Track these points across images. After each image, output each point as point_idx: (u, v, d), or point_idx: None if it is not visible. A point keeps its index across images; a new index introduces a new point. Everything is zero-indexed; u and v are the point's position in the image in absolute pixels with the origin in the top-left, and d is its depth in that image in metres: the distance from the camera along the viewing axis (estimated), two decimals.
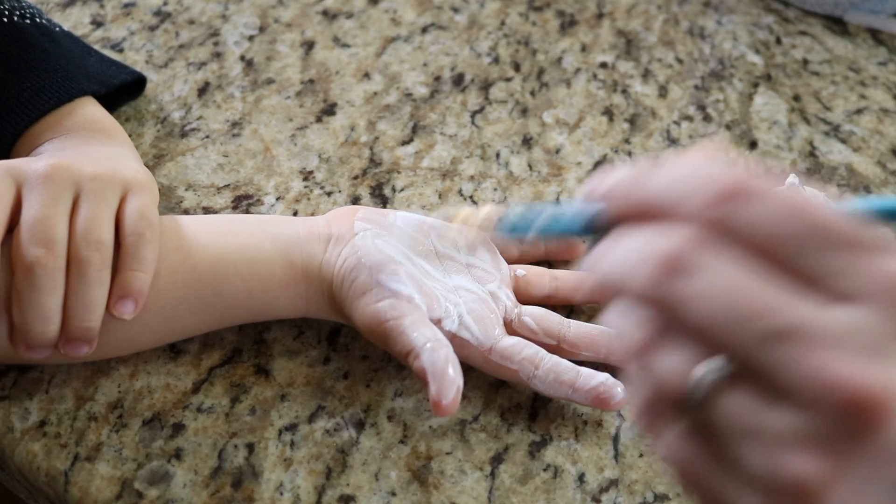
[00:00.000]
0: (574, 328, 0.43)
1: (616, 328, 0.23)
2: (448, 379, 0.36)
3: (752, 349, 0.20)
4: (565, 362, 0.41)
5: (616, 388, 0.40)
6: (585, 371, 0.40)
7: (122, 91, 0.53)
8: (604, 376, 0.40)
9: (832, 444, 0.19)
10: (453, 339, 0.40)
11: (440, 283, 0.42)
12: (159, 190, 0.50)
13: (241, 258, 0.41)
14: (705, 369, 0.21)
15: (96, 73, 0.51)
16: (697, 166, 0.22)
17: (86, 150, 0.45)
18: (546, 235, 0.25)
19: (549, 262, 0.49)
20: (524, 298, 0.44)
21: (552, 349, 0.42)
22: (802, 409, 0.19)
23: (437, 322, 0.40)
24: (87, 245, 0.37)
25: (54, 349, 0.37)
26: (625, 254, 0.22)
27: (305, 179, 0.52)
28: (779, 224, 0.20)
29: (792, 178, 0.44)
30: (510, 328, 0.43)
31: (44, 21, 0.50)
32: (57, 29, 0.51)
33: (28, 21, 0.49)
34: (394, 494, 0.39)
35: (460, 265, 0.44)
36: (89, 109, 0.48)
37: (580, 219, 0.24)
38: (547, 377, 0.40)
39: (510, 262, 0.46)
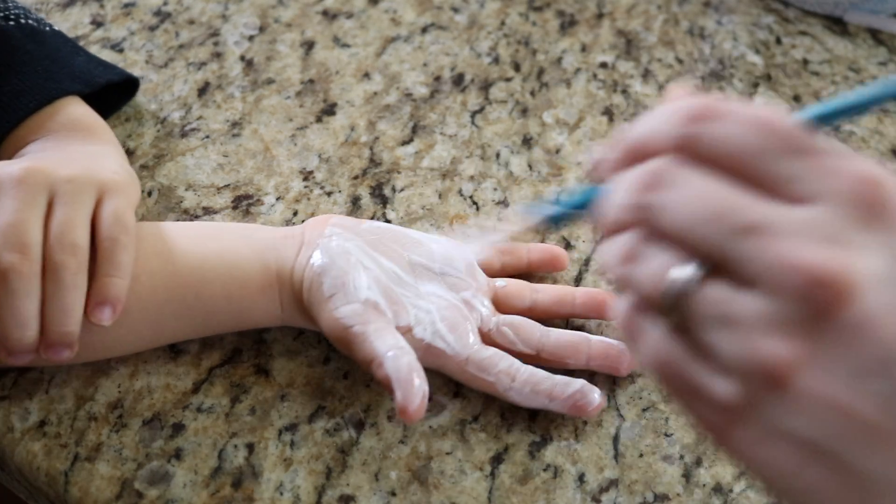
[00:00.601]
0: (554, 336, 0.42)
1: (606, 255, 0.25)
2: (413, 386, 0.36)
3: (724, 245, 0.21)
4: (541, 372, 0.41)
5: (592, 393, 0.40)
6: (560, 379, 0.40)
7: (117, 94, 0.53)
8: (580, 383, 0.40)
9: (799, 327, 0.20)
10: (428, 348, 0.40)
11: (411, 288, 0.42)
12: (159, 190, 0.50)
13: (221, 263, 0.41)
14: (682, 268, 0.22)
15: (81, 72, 0.50)
16: (666, 105, 0.24)
17: (66, 150, 0.44)
18: (567, 217, 0.28)
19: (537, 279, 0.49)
20: (504, 310, 0.44)
21: (531, 359, 0.42)
22: (770, 294, 0.21)
23: (407, 330, 0.40)
24: (62, 249, 0.36)
25: (36, 354, 0.37)
26: (613, 191, 0.24)
27: (305, 179, 0.52)
28: (743, 137, 0.22)
29: None
30: (488, 338, 0.42)
31: (30, 22, 0.49)
32: (47, 29, 0.50)
33: (12, 23, 0.48)
34: (394, 494, 0.39)
35: (433, 273, 0.43)
36: (72, 109, 0.47)
37: (590, 196, 0.27)
38: (523, 389, 0.40)
39: (492, 275, 0.45)
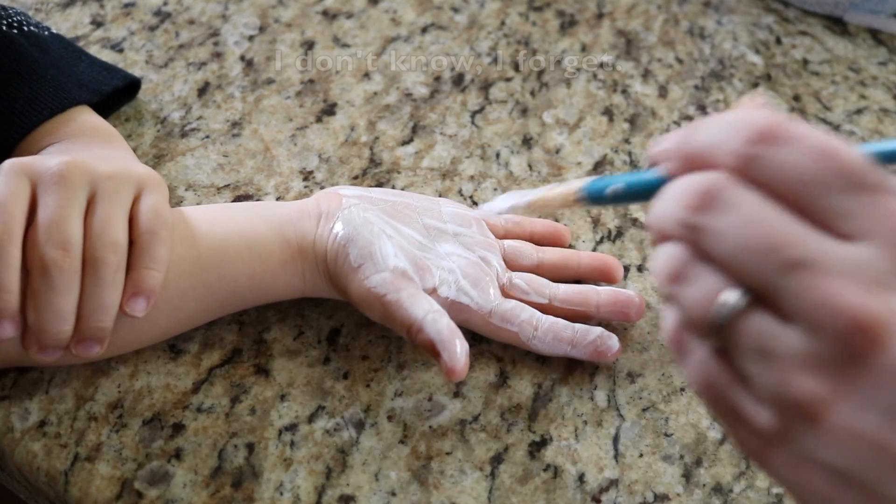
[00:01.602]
0: (563, 287, 0.44)
1: (656, 266, 0.25)
2: (457, 346, 0.37)
3: (770, 277, 0.22)
4: (561, 321, 0.42)
5: (611, 339, 0.42)
6: (581, 327, 0.42)
7: (118, 94, 0.53)
8: (599, 330, 0.43)
9: (835, 367, 0.21)
10: (452, 305, 0.41)
11: (431, 251, 0.43)
12: None
13: (241, 242, 0.41)
14: (728, 296, 0.23)
15: (88, 80, 0.50)
16: (735, 115, 0.24)
17: (92, 153, 0.45)
18: (621, 201, 0.28)
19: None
20: (512, 268, 0.46)
21: (543, 309, 0.43)
22: (810, 333, 0.21)
23: (433, 291, 0.41)
24: (102, 246, 0.37)
25: (65, 350, 0.37)
26: (665, 198, 0.24)
27: (305, 179, 0.52)
28: (805, 166, 0.22)
29: None
30: (503, 291, 0.44)
31: (31, 28, 0.50)
32: (46, 34, 0.51)
33: (16, 30, 0.48)
34: (394, 494, 0.39)
35: (448, 234, 0.45)
36: (87, 117, 0.48)
37: (647, 182, 0.27)
38: (546, 337, 0.42)
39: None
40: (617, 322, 0.45)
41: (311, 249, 0.42)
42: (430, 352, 0.38)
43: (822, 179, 0.22)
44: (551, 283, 0.45)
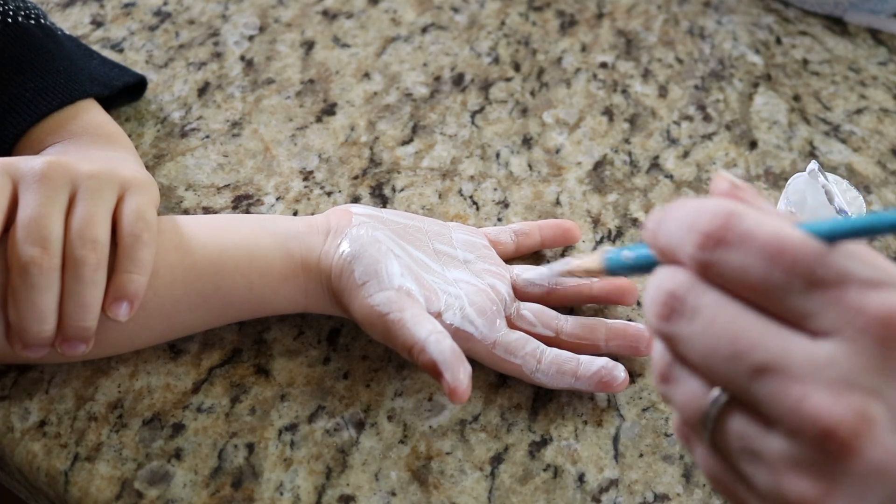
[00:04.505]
0: (571, 321, 0.43)
1: (653, 360, 0.25)
2: (460, 367, 0.36)
3: (742, 383, 0.22)
4: (565, 353, 0.42)
5: (616, 369, 0.41)
6: (585, 358, 0.41)
7: (122, 93, 0.54)
8: (603, 360, 0.41)
9: (821, 468, 0.21)
10: (456, 332, 0.41)
11: (439, 275, 0.42)
12: (159, 190, 0.50)
13: (241, 253, 0.41)
14: (710, 398, 0.23)
15: (99, 75, 0.51)
16: (688, 210, 0.23)
17: (87, 154, 0.45)
18: (635, 273, 0.29)
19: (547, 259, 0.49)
20: (521, 297, 0.45)
21: (550, 342, 0.42)
22: (790, 436, 0.21)
23: (437, 315, 0.40)
24: (82, 244, 0.37)
25: (52, 348, 0.37)
26: (644, 301, 0.25)
27: (305, 179, 0.52)
28: (758, 270, 0.22)
29: (812, 165, 0.44)
30: (509, 322, 0.43)
31: (48, 23, 0.50)
32: (59, 32, 0.51)
33: (32, 22, 0.49)
34: (394, 494, 0.39)
35: (458, 261, 0.44)
36: (93, 114, 0.48)
37: (650, 259, 0.27)
38: (549, 370, 0.41)
39: (507, 256, 0.47)
40: (626, 357, 0.44)
41: (316, 265, 0.41)
42: (431, 373, 0.37)
43: (777, 283, 0.22)
44: (559, 315, 0.43)
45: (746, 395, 0.22)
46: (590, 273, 0.32)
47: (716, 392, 0.23)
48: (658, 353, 0.25)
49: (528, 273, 0.44)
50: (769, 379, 0.21)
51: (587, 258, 0.32)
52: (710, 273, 0.23)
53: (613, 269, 0.30)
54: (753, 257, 0.22)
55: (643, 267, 0.28)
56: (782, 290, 0.22)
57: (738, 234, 0.22)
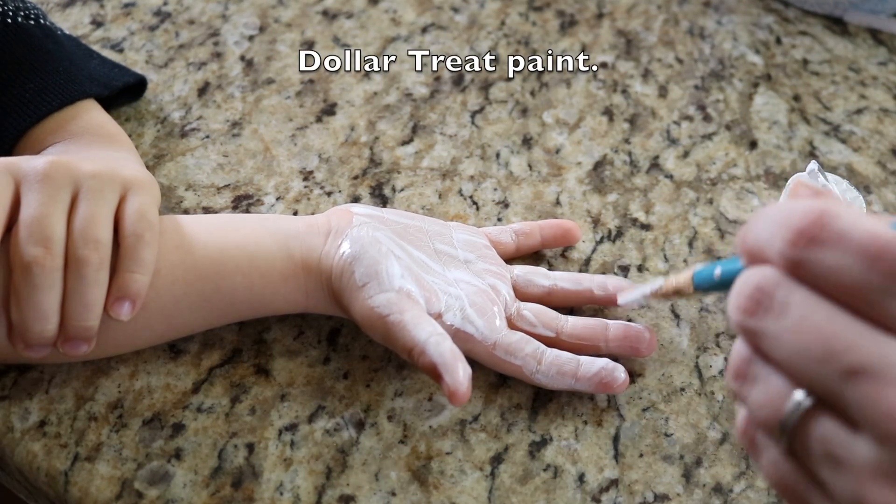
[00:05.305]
0: (571, 321, 0.43)
1: (731, 358, 0.24)
2: (460, 369, 0.36)
3: (832, 385, 0.21)
4: (565, 354, 0.41)
5: (616, 371, 0.41)
6: (585, 359, 0.41)
7: (122, 93, 0.54)
8: (603, 361, 0.41)
9: None
10: (457, 333, 0.41)
11: (439, 276, 0.42)
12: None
13: (241, 253, 0.41)
14: (792, 400, 0.22)
15: (99, 75, 0.51)
16: (777, 210, 0.23)
17: (88, 153, 0.45)
18: (725, 289, 0.28)
19: (548, 264, 0.49)
20: (522, 296, 0.45)
21: (550, 342, 0.42)
22: (880, 443, 0.20)
23: (438, 316, 0.40)
24: (84, 244, 0.37)
25: (53, 348, 0.37)
26: (730, 296, 0.24)
27: (305, 179, 0.52)
28: (853, 271, 0.21)
29: (812, 165, 0.44)
30: (509, 323, 0.43)
31: (47, 23, 0.50)
32: (59, 32, 0.51)
33: (32, 22, 0.49)
34: (394, 494, 0.39)
35: (459, 261, 0.44)
36: (94, 115, 0.48)
37: (735, 271, 0.27)
38: (549, 371, 0.41)
39: (507, 255, 0.47)
40: (626, 357, 0.44)
41: (317, 265, 0.41)
42: (431, 375, 0.37)
43: (875, 285, 0.21)
44: (560, 315, 0.43)
45: (835, 398, 0.21)
46: (680, 293, 0.31)
47: (800, 394, 0.22)
48: (737, 349, 0.24)
49: (625, 296, 0.42)
50: (863, 382, 0.20)
51: (678, 277, 0.31)
52: (801, 271, 0.22)
53: (703, 286, 0.29)
54: (850, 258, 0.21)
55: (733, 283, 0.28)
56: (880, 292, 0.20)
57: (832, 234, 0.21)
